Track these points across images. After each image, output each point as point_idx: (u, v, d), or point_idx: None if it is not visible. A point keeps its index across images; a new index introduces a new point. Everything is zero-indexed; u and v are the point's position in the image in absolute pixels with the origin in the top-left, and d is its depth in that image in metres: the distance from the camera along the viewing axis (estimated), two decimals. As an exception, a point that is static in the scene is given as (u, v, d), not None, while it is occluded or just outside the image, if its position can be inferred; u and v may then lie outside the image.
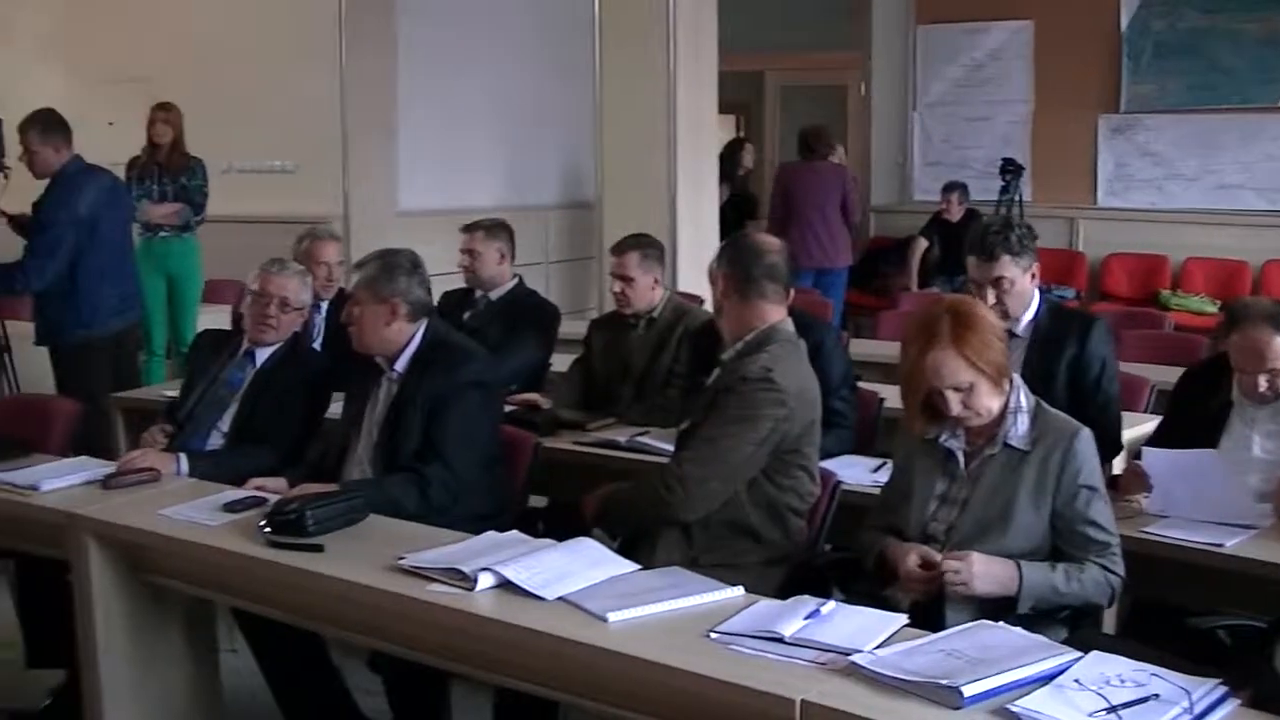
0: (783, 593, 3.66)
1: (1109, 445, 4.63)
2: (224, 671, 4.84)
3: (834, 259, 10.98)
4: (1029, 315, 4.98)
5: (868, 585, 3.90)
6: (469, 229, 6.47)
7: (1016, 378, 3.80)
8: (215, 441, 5.25)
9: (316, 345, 6.29)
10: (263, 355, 5.33)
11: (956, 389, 3.66)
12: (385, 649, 3.80)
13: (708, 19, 8.82)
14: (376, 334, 4.68)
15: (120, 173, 8.92)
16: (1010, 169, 11.75)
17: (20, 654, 5.23)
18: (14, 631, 5.54)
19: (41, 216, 7.01)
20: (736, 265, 4.43)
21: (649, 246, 5.98)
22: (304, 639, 4.43)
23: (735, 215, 10.89)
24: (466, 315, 6.26)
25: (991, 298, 4.88)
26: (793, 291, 4.50)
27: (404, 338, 4.69)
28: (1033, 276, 4.97)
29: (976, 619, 3.40)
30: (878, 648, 3.10)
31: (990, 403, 3.70)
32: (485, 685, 4.01)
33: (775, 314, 4.38)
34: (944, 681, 2.87)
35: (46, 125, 7.09)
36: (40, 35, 11.90)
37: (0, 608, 5.59)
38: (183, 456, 4.95)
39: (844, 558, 4.29)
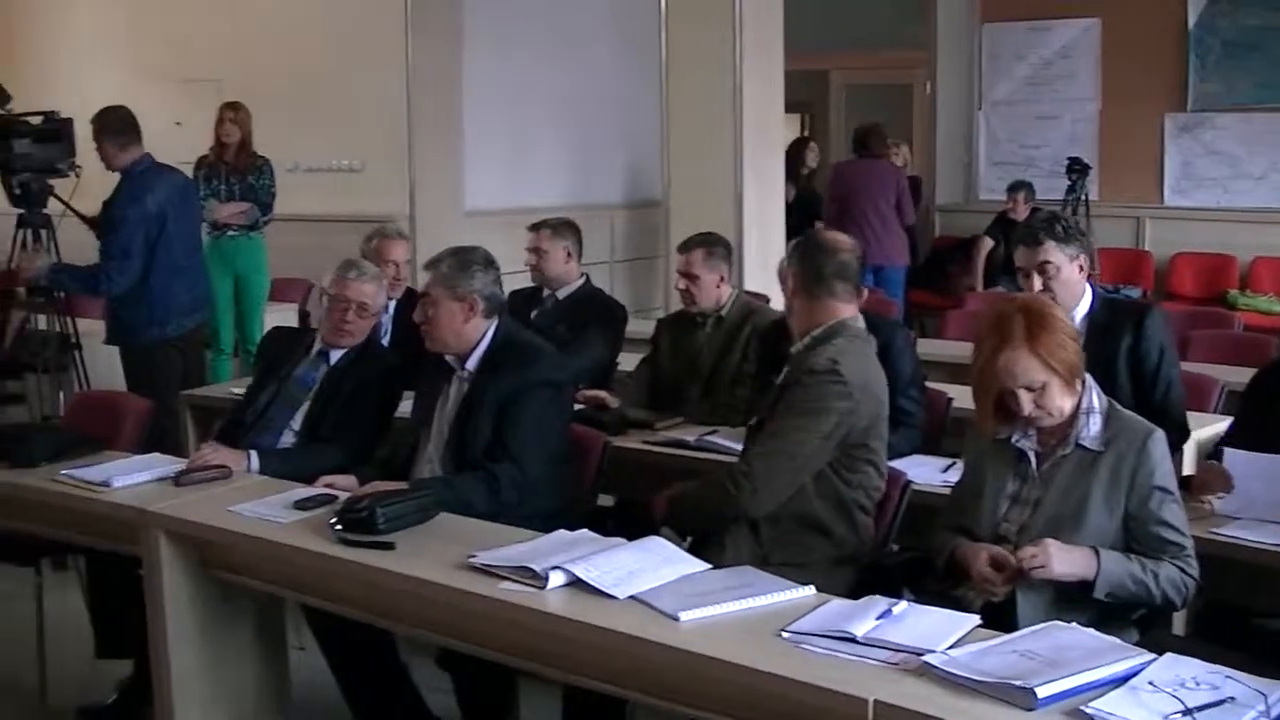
0: (852, 593, 3.65)
1: (1175, 431, 4.62)
2: (291, 668, 4.87)
3: (890, 257, 10.96)
4: (1083, 310, 4.95)
5: (938, 585, 3.88)
6: (535, 227, 6.49)
7: (1089, 378, 3.78)
8: (287, 440, 5.28)
9: (384, 344, 6.31)
10: (336, 355, 5.36)
11: (1029, 389, 3.64)
12: (455, 646, 3.81)
13: (774, 16, 8.79)
14: (453, 331, 4.69)
15: (188, 172, 9.00)
16: (1077, 168, 11.68)
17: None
18: (81, 624, 5.62)
19: (111, 214, 7.09)
20: (806, 263, 4.44)
21: (715, 245, 5.97)
22: (373, 636, 4.44)
23: (801, 214, 10.86)
24: (534, 314, 6.27)
25: (1038, 284, 4.87)
26: (865, 291, 4.50)
27: (478, 335, 4.69)
28: (1081, 268, 4.95)
29: (1049, 620, 3.38)
30: (950, 648, 3.08)
31: (1063, 403, 3.68)
32: (553, 683, 4.02)
33: (845, 311, 4.38)
34: (1018, 682, 2.85)
35: (118, 123, 7.22)
36: (108, 36, 12.02)
37: (69, 601, 5.66)
38: (253, 454, 4.99)
39: (913, 558, 4.28)
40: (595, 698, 3.68)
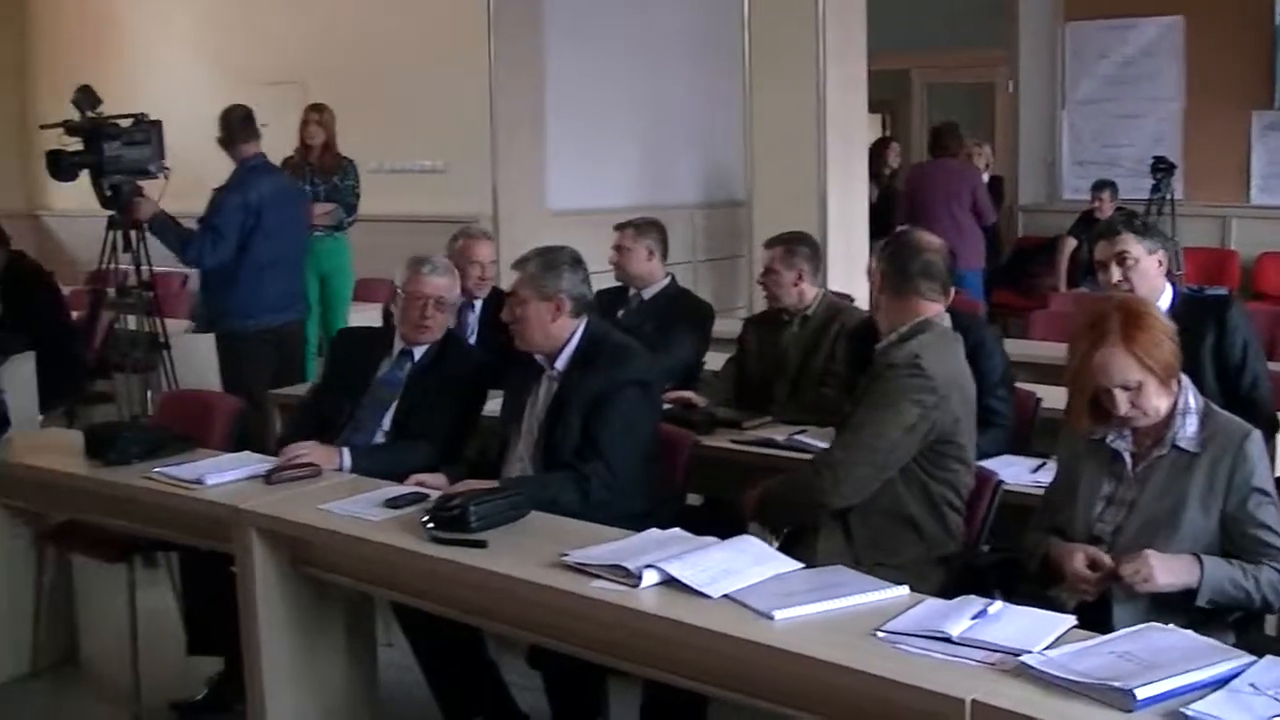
0: (943, 594, 3.63)
1: (1264, 425, 4.56)
2: (379, 665, 4.91)
3: (966, 259, 10.82)
4: (1163, 306, 4.89)
5: (1030, 586, 3.86)
6: (620, 226, 6.51)
7: (1185, 378, 3.74)
8: (379, 440, 5.31)
9: (470, 342, 6.34)
10: (418, 353, 5.39)
11: (1125, 388, 3.61)
12: (547, 644, 3.82)
13: (857, 16, 8.76)
14: (542, 331, 4.70)
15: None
16: (1162, 167, 11.58)
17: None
18: (172, 620, 5.69)
19: (215, 197, 7.43)
20: (893, 262, 4.46)
21: (797, 243, 5.98)
22: (462, 633, 4.48)
23: (883, 214, 10.81)
24: (620, 313, 6.28)
25: (1116, 275, 4.85)
26: (953, 290, 4.49)
27: (566, 334, 4.70)
28: (1160, 263, 4.92)
29: (1144, 620, 3.36)
30: (1047, 648, 3.07)
31: (1159, 403, 3.65)
32: (639, 680, 4.03)
33: (930, 309, 4.39)
34: (1116, 683, 2.83)
35: (238, 120, 7.68)
36: (194, 38, 12.13)
37: (160, 598, 5.73)
38: (345, 451, 5.03)
39: (1005, 558, 4.25)
40: (677, 694, 3.69)
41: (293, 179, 8.05)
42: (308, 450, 4.92)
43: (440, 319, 5.38)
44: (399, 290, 5.45)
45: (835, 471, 4.20)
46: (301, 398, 5.68)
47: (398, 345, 5.43)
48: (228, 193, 7.49)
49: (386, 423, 5.31)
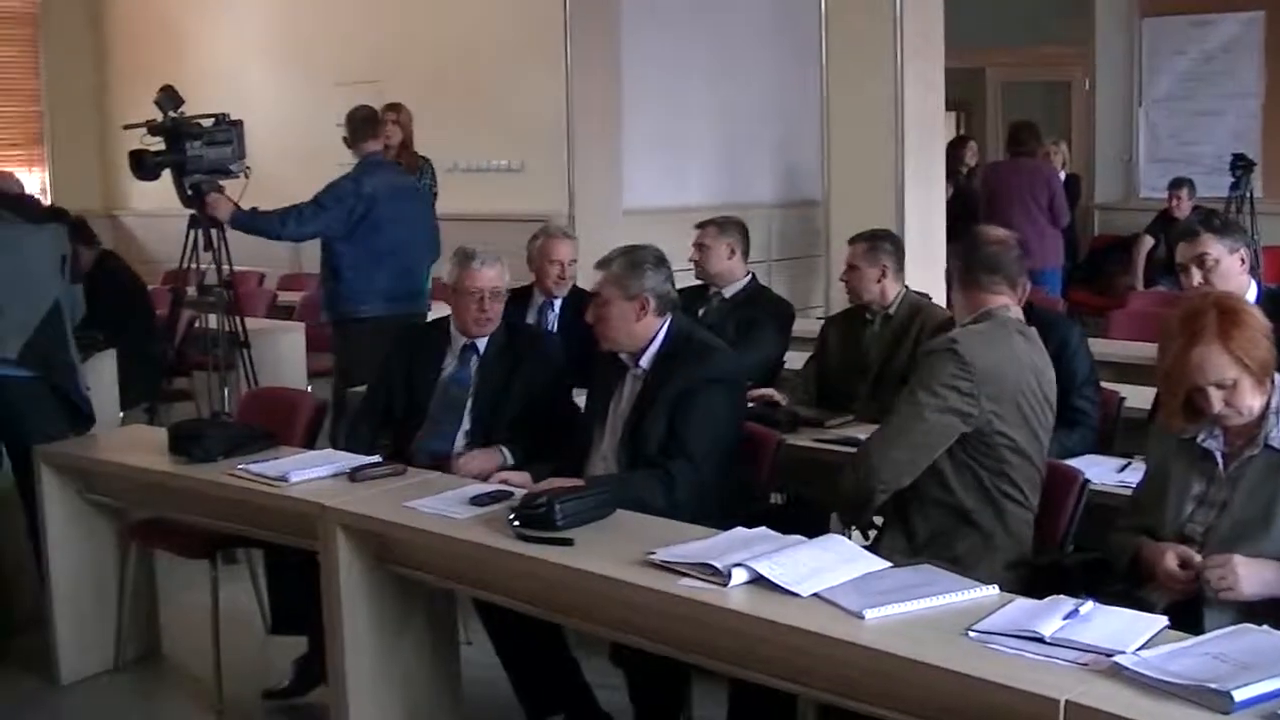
0: (1028, 594, 3.60)
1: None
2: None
3: (1045, 258, 10.75)
4: None
5: (1119, 585, 3.82)
6: (702, 225, 6.50)
7: (1278, 377, 3.70)
8: (460, 444, 5.32)
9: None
10: (482, 345, 5.40)
11: (1220, 386, 3.57)
12: (633, 643, 3.81)
13: (934, 15, 8.72)
14: (626, 330, 4.71)
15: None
16: (1241, 164, 11.47)
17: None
18: (252, 616, 5.78)
19: (332, 180, 7.65)
20: (959, 257, 4.51)
21: (881, 239, 5.98)
22: (545, 631, 4.48)
23: (960, 213, 10.75)
24: (701, 312, 6.27)
25: (1197, 277, 4.81)
26: (1025, 284, 4.46)
27: (651, 332, 4.71)
28: (1242, 260, 4.86)
29: (1236, 621, 3.32)
30: (1140, 649, 3.03)
31: (1253, 401, 3.61)
32: (722, 679, 4.02)
33: (994, 301, 4.37)
34: (1213, 685, 2.79)
35: (359, 119, 8.04)
36: (271, 38, 12.21)
37: (240, 594, 5.80)
38: (504, 449, 5.13)
39: (1092, 558, 4.21)
40: (765, 693, 3.68)
41: (409, 176, 8.15)
42: (486, 455, 4.93)
43: (498, 309, 5.39)
44: (449, 286, 5.46)
45: (871, 458, 4.21)
46: (363, 396, 5.63)
47: (459, 341, 5.43)
48: (344, 179, 7.71)
49: (466, 422, 5.33)
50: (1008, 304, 4.39)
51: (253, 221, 7.60)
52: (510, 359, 5.35)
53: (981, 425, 4.14)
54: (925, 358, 4.26)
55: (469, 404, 5.34)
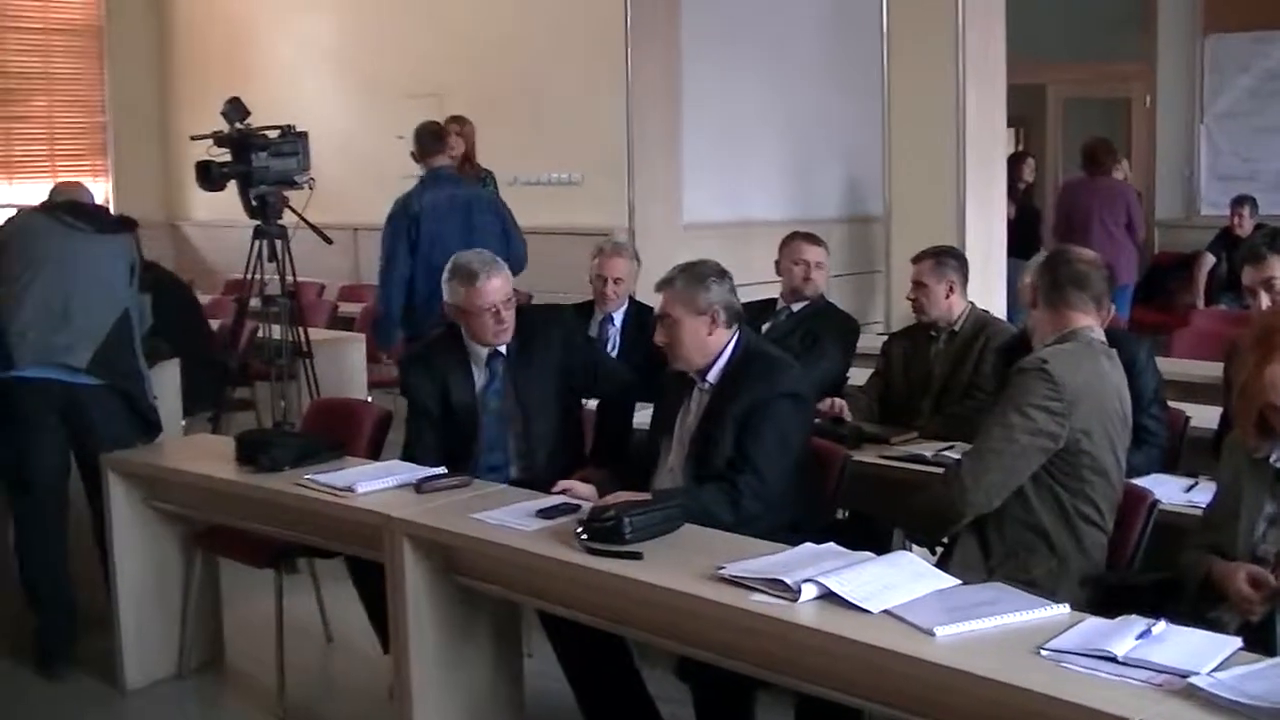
0: (1099, 613, 3.59)
1: None
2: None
3: (1120, 276, 10.73)
4: None
5: (1190, 606, 3.80)
6: (917, 259, 6.29)
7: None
8: (511, 448, 5.35)
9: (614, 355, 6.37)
10: (504, 346, 5.35)
11: (1295, 405, 3.56)
12: (701, 657, 3.80)
13: (996, 31, 8.70)
14: (698, 347, 4.69)
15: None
16: (1303, 181, 11.42)
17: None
18: (312, 624, 5.79)
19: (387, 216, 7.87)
20: (1045, 274, 4.47)
21: (946, 255, 5.97)
22: (610, 644, 4.47)
23: (1019, 230, 10.73)
24: (766, 326, 6.27)
25: (1265, 301, 4.78)
26: (1110, 308, 4.46)
27: (721, 345, 4.70)
28: None
29: (1312, 643, 3.31)
30: (1214, 670, 3.01)
31: (1326, 421, 3.59)
32: (791, 696, 4.01)
33: (1081, 320, 4.37)
34: (1290, 707, 2.79)
35: (425, 135, 8.27)
36: (334, 52, 12.30)
37: (300, 603, 5.86)
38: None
39: (1162, 578, 4.19)
40: (831, 711, 3.68)
41: (471, 185, 8.32)
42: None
43: (513, 314, 5.31)
44: (457, 307, 5.32)
45: (964, 479, 4.18)
46: (410, 438, 5.49)
47: (480, 352, 5.36)
48: (392, 210, 7.97)
49: (515, 428, 5.36)
50: (1092, 325, 4.38)
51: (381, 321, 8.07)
52: (534, 345, 5.34)
53: (1069, 445, 4.14)
54: (1016, 376, 4.24)
55: (511, 410, 5.34)
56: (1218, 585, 3.70)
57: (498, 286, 5.26)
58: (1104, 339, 4.40)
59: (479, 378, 5.37)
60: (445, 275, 5.33)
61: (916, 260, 5.99)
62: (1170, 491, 4.64)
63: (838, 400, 5.77)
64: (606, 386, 5.57)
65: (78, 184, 6.54)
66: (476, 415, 5.34)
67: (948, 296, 5.86)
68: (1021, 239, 10.06)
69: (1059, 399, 4.11)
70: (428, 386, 5.38)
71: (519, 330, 5.34)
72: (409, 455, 5.30)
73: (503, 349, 5.35)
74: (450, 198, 7.97)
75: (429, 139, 8.20)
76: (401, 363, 5.92)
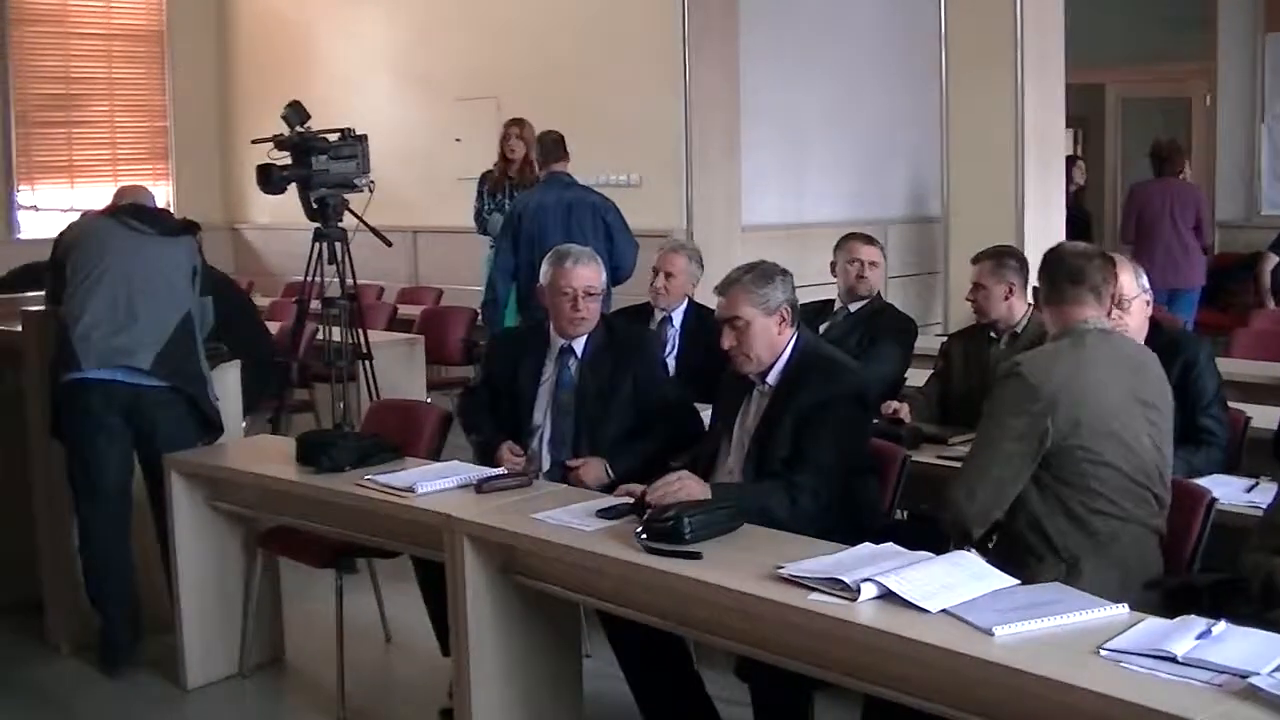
0: (1157, 613, 3.57)
1: None
2: (580, 675, 4.95)
3: (1189, 279, 10.68)
4: None
5: (1251, 608, 3.78)
6: (976, 259, 6.33)
7: None
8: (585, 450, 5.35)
9: (670, 359, 6.38)
10: (579, 346, 5.40)
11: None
12: (760, 657, 3.80)
13: (1055, 33, 8.67)
14: (769, 346, 4.70)
15: (471, 188, 9.26)
16: (1363, 180, 11.32)
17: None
18: (371, 624, 5.87)
19: None
20: (1042, 275, 4.47)
21: (1006, 256, 5.94)
22: (669, 644, 4.50)
23: (1073, 234, 10.66)
24: (824, 326, 6.27)
25: None
26: (1106, 292, 4.39)
27: (784, 345, 4.71)
28: None
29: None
30: (1275, 670, 2.99)
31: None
32: (849, 696, 4.01)
33: (1080, 314, 4.32)
34: (1353, 709, 2.77)
35: (547, 143, 8.74)
36: (392, 55, 12.36)
37: (359, 602, 5.90)
38: (607, 464, 5.20)
39: (1223, 579, 4.17)
40: (895, 711, 3.67)
41: (578, 189, 8.52)
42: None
43: (593, 308, 5.39)
44: (544, 289, 5.46)
45: (958, 500, 4.20)
46: (473, 389, 5.64)
47: (557, 344, 5.44)
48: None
49: (575, 426, 5.38)
50: (1091, 316, 4.33)
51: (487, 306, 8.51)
52: (611, 358, 5.35)
53: (1058, 442, 4.11)
54: (994, 386, 4.27)
55: (570, 405, 5.37)
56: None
57: (583, 275, 5.35)
58: (1105, 327, 4.35)
59: (548, 369, 5.43)
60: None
61: (976, 261, 5.98)
62: (1231, 492, 4.62)
63: (901, 405, 5.76)
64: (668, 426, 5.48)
65: (141, 188, 6.60)
66: (529, 402, 5.40)
67: (1007, 298, 5.83)
68: (1073, 241, 10.00)
69: (1036, 399, 4.11)
70: (502, 361, 5.56)
71: (602, 337, 5.40)
72: (464, 401, 5.69)
73: (577, 348, 5.38)
74: (556, 199, 8.27)
75: (549, 145, 8.65)
76: (492, 338, 6.24)
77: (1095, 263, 4.40)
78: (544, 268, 5.46)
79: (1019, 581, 3.64)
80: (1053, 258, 4.48)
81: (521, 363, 5.48)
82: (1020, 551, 4.18)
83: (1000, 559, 4.08)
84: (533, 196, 8.38)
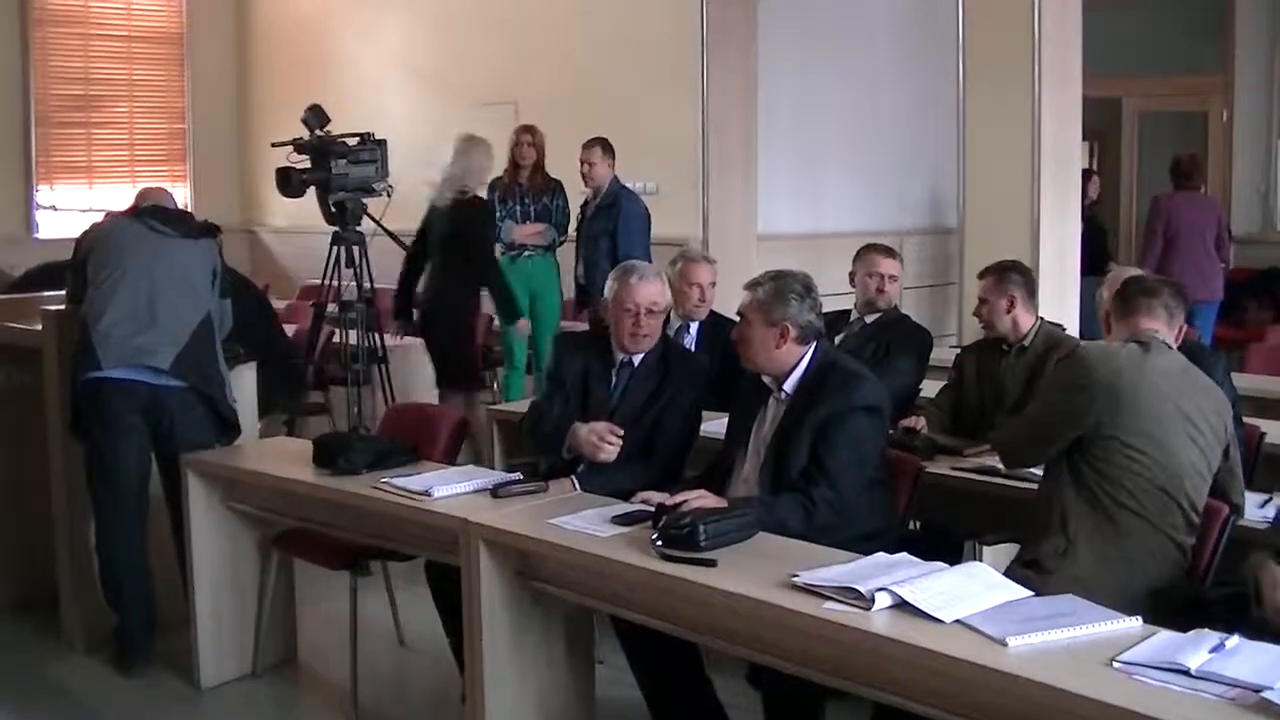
0: (1169, 626, 3.59)
1: None
2: (591, 681, 4.97)
3: (1212, 292, 10.69)
4: None
5: (1256, 618, 3.80)
6: (981, 274, 6.27)
7: None
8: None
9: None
10: (637, 361, 5.40)
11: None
12: (773, 664, 3.82)
13: (1073, 44, 8.66)
14: (765, 354, 4.73)
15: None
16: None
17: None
18: (384, 626, 5.92)
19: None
20: (1116, 297, 4.67)
21: (1009, 270, 5.95)
22: (681, 651, 4.52)
23: (1088, 248, 10.65)
24: (840, 336, 6.28)
25: None
26: (1177, 318, 4.56)
27: (793, 359, 4.72)
28: None
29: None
30: (1288, 685, 3.02)
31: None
32: (860, 704, 4.02)
33: (1143, 325, 4.51)
34: (1366, 724, 2.79)
35: (607, 147, 9.06)
36: (411, 60, 12.40)
37: (372, 603, 5.94)
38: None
39: (1235, 593, 4.18)
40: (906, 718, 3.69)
41: (621, 195, 8.91)
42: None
43: (654, 325, 5.38)
44: (608, 302, 5.47)
45: (1004, 434, 4.88)
46: (541, 403, 5.56)
47: (618, 357, 5.44)
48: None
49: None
50: (1157, 329, 4.47)
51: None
52: (657, 379, 5.34)
53: (1095, 429, 4.30)
54: (1056, 365, 4.61)
55: (610, 413, 5.36)
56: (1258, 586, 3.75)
57: (648, 292, 5.32)
58: (1170, 343, 4.49)
59: (612, 380, 5.44)
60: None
61: (980, 276, 6.03)
62: (1246, 507, 4.62)
63: (917, 418, 5.79)
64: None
65: (163, 190, 6.63)
66: (608, 411, 5.36)
67: (1009, 311, 5.85)
68: (1087, 257, 9.98)
69: (1086, 381, 4.35)
70: (573, 364, 5.50)
71: (656, 356, 5.40)
72: (533, 417, 5.48)
73: (635, 364, 5.39)
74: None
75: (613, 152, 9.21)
76: (556, 339, 6.15)
77: (1171, 287, 4.62)
78: (608, 282, 5.47)
79: (1032, 593, 3.66)
80: (1129, 279, 4.74)
81: (593, 367, 5.47)
82: (1034, 521, 4.39)
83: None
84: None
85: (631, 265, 5.53)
